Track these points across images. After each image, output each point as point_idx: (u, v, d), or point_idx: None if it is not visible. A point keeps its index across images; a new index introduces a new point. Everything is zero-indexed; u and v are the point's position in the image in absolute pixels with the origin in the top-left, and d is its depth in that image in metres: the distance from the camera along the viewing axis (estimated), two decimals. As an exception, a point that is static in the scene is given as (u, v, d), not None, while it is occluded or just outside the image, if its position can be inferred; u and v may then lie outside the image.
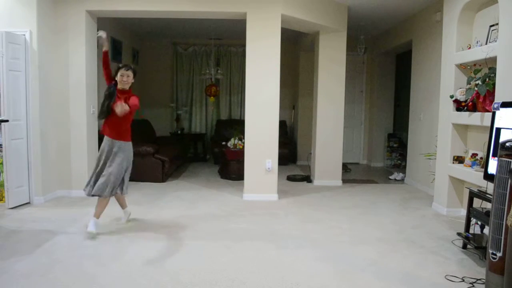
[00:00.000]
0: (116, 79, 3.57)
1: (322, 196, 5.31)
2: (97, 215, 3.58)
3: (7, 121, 4.28)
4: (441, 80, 4.62)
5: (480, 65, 4.04)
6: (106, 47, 3.67)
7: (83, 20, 4.88)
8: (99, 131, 5.56)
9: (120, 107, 3.32)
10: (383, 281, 2.74)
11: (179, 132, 8.36)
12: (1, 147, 4.42)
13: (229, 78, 8.70)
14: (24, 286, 2.58)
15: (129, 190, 5.47)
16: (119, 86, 3.57)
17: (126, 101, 3.47)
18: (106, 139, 3.61)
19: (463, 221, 3.57)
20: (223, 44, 8.54)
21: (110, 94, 3.55)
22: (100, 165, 3.62)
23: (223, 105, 8.82)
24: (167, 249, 3.30)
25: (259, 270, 2.88)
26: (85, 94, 4.96)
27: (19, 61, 4.44)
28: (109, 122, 3.60)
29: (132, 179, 5.89)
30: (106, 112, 3.55)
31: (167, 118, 8.66)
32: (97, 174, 3.62)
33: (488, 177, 3.13)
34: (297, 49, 8.33)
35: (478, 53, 3.91)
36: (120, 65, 3.63)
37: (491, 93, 3.67)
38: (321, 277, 2.80)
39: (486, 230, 3.24)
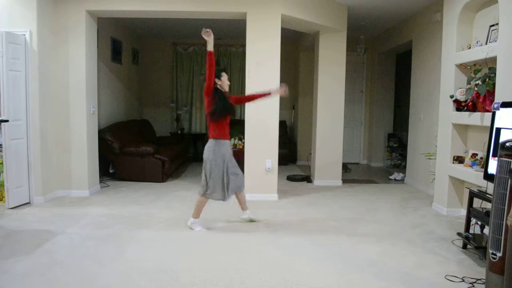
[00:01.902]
0: (217, 81, 3.74)
1: (322, 196, 5.31)
2: (245, 207, 4.03)
3: (7, 121, 4.29)
4: (441, 80, 4.62)
5: (480, 65, 4.04)
6: (211, 47, 3.64)
7: (83, 20, 4.88)
8: (99, 131, 5.57)
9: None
10: (383, 281, 2.75)
11: (179, 132, 8.35)
12: (1, 147, 4.42)
13: (229, 78, 8.68)
14: (24, 286, 2.58)
15: (128, 190, 5.55)
16: (223, 89, 3.78)
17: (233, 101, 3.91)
18: (226, 143, 3.73)
19: (463, 221, 3.57)
20: (223, 44, 8.54)
21: (225, 96, 3.77)
22: (225, 168, 3.72)
23: (223, 105, 8.80)
24: (166, 249, 3.30)
25: (259, 270, 2.88)
26: (85, 94, 4.96)
27: (19, 61, 4.44)
28: (224, 124, 3.73)
29: (132, 179, 6.00)
30: (231, 112, 3.77)
31: (167, 118, 8.66)
32: (226, 178, 3.73)
33: (488, 177, 3.13)
34: (297, 49, 8.33)
35: (478, 53, 3.91)
36: (220, 68, 3.73)
37: (491, 93, 3.67)
38: (321, 277, 2.80)
39: (486, 230, 3.24)
